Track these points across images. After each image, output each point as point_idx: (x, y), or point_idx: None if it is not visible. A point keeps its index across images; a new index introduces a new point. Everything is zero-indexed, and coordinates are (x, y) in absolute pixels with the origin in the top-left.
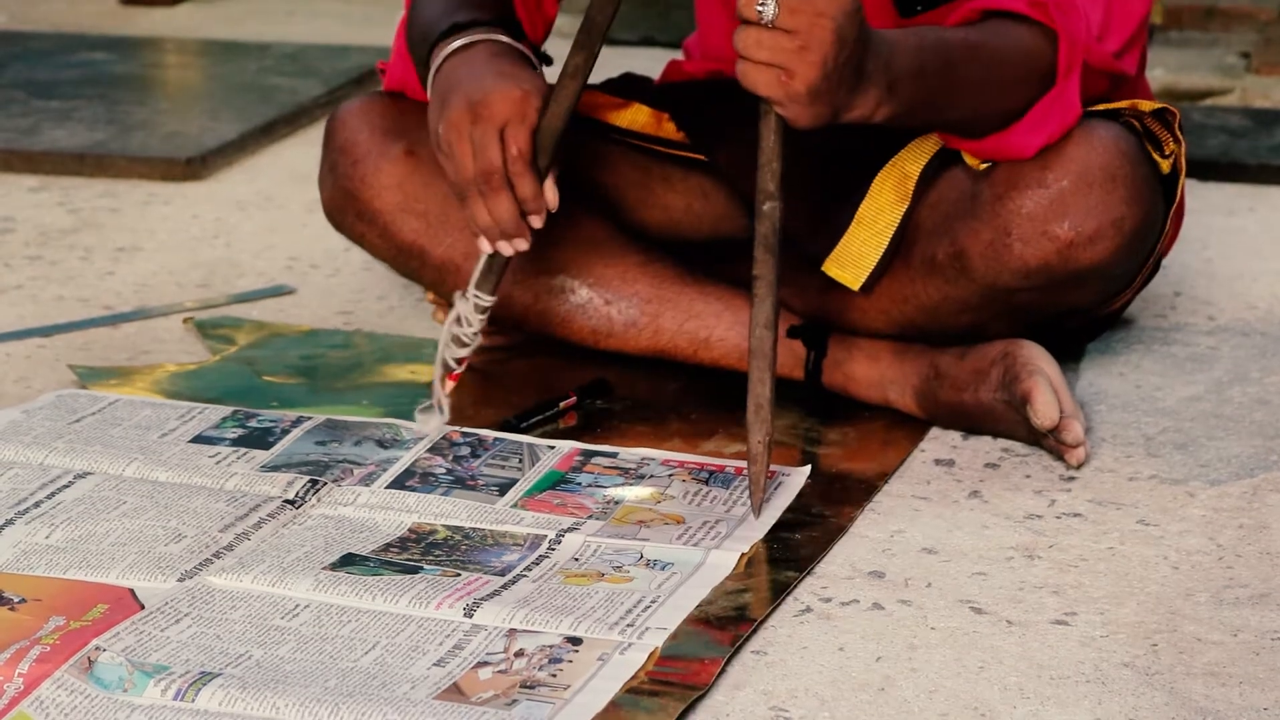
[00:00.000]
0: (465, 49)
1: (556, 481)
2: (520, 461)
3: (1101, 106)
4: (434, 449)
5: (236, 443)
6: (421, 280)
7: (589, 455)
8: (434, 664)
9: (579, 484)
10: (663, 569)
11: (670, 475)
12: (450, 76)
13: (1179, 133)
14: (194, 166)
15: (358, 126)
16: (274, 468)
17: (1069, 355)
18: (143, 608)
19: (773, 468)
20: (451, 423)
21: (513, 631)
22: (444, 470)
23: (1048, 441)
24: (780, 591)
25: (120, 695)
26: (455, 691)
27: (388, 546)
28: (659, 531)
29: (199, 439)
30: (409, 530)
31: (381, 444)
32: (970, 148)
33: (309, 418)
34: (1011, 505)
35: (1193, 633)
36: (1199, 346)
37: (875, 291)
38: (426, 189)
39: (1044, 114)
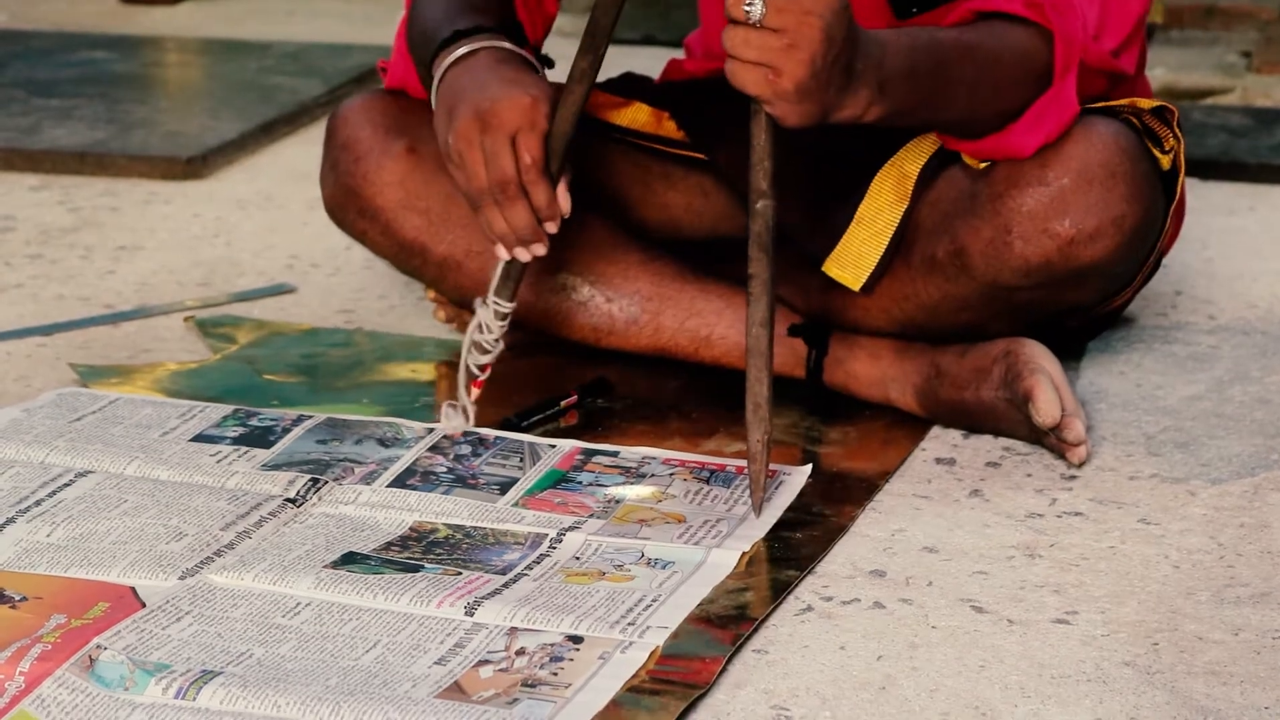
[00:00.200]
0: (468, 57)
1: (557, 480)
2: (521, 460)
3: (1100, 105)
4: (435, 448)
5: (237, 441)
6: (423, 278)
7: (590, 454)
8: (435, 662)
9: (580, 483)
10: (664, 568)
11: (671, 474)
12: (455, 86)
13: (1178, 130)
14: (195, 165)
15: (360, 124)
16: (275, 466)
17: (1070, 354)
18: (144, 606)
19: (774, 467)
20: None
21: (514, 630)
22: (445, 469)
23: (1049, 440)
24: (781, 590)
25: (121, 694)
26: (456, 690)
27: (389, 545)
28: (660, 530)
29: (200, 438)
30: (410, 529)
31: (382, 443)
32: (968, 148)
33: (310, 416)
34: (1012, 504)
35: (1194, 631)
36: (1200, 345)
37: (876, 290)
38: (428, 186)
39: (1041, 113)
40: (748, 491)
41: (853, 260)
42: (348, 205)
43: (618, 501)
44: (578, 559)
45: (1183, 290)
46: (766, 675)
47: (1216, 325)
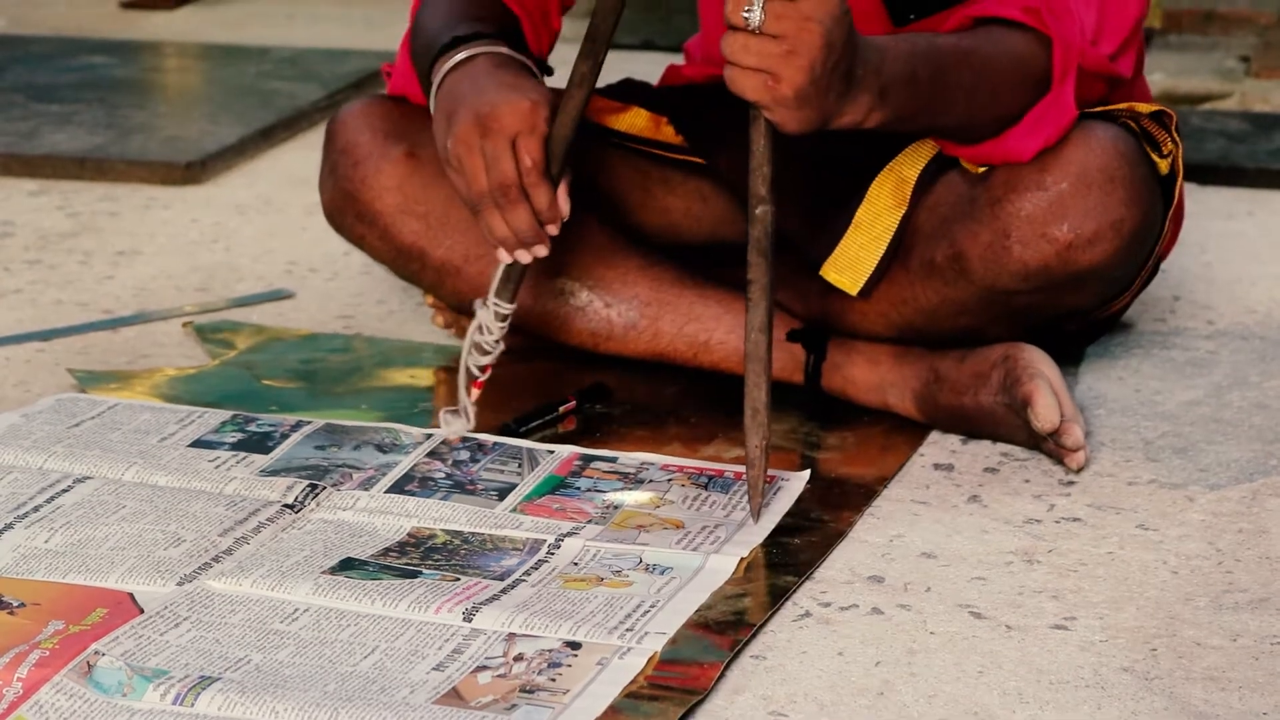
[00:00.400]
0: (467, 62)
1: (556, 486)
2: (519, 466)
3: (1099, 109)
4: (433, 453)
5: (236, 447)
6: (421, 282)
7: (588, 460)
8: (433, 668)
9: (578, 488)
10: (662, 573)
11: (669, 480)
12: (454, 91)
13: (1176, 134)
14: (193, 170)
15: (359, 128)
16: (273, 472)
17: (1068, 359)
18: (142, 612)
19: (772, 472)
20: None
21: (512, 636)
22: (443, 475)
23: (1047, 445)
24: (779, 596)
25: (119, 700)
26: (454, 696)
27: (387, 551)
28: (658, 536)
29: (198, 443)
30: (408, 534)
31: (381, 448)
32: (966, 153)
33: (308, 422)
34: (1011, 510)
35: (1192, 637)
36: (1198, 351)
37: (874, 295)
38: (427, 191)
39: (1040, 118)
40: (746, 497)
41: (851, 265)
42: (346, 210)
43: (616, 507)
44: (576, 565)
45: (1181, 295)
46: (765, 681)
47: (1215, 330)
